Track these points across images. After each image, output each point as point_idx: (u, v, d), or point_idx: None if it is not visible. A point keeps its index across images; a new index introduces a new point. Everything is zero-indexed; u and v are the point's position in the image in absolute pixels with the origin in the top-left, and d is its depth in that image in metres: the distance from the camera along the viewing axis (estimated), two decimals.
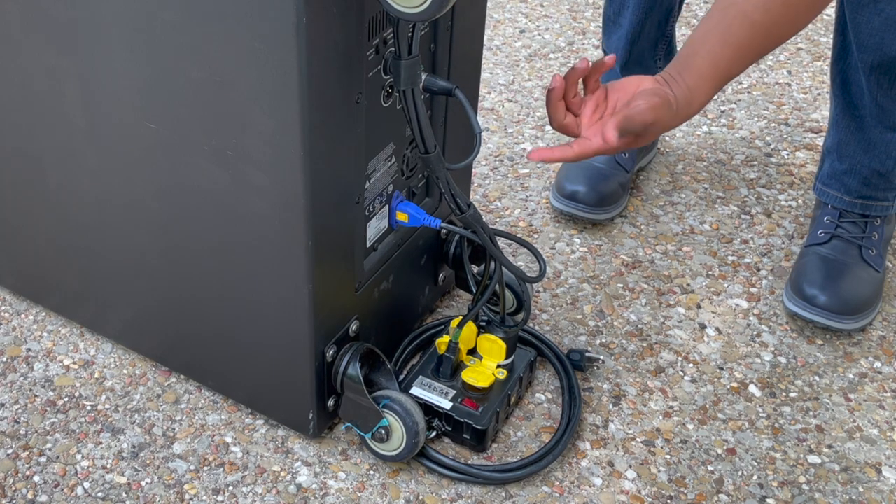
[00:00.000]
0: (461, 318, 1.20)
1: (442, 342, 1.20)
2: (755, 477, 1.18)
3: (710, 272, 1.49)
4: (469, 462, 1.17)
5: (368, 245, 1.13)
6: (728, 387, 1.30)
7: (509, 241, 1.47)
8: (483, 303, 1.17)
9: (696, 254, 1.53)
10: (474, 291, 1.23)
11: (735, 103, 1.92)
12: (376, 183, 1.10)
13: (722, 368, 1.33)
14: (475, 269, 1.28)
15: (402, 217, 1.15)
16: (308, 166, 0.95)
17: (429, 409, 1.17)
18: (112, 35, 1.00)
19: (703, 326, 1.39)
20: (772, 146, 1.79)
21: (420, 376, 1.20)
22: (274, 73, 0.91)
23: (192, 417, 1.22)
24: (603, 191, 1.54)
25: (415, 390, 1.18)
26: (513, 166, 1.71)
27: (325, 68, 0.92)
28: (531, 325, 1.36)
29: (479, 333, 1.22)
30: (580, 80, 1.05)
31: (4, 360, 1.29)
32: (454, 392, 1.18)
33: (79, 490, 1.12)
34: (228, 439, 1.19)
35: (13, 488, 1.12)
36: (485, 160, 1.72)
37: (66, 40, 1.04)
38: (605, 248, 1.53)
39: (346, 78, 0.96)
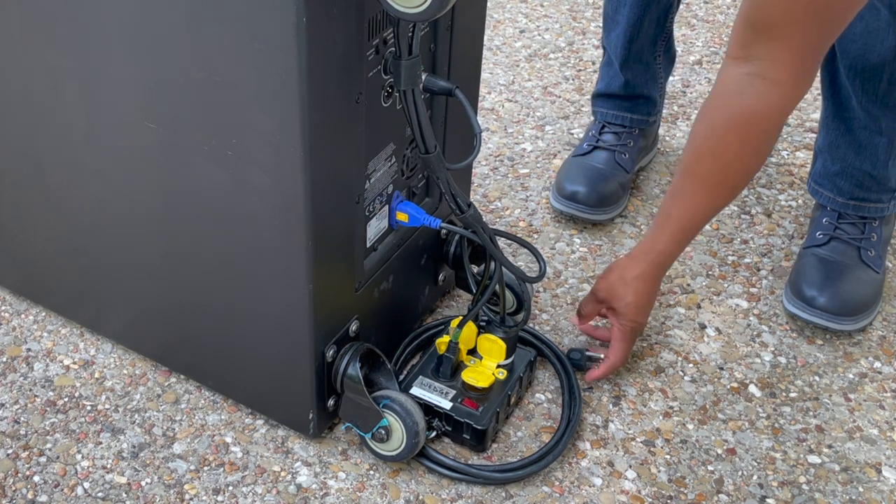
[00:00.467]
0: (461, 318, 1.20)
1: (442, 342, 1.20)
2: (755, 477, 1.18)
3: (710, 272, 1.49)
4: (469, 462, 1.17)
5: (368, 245, 1.13)
6: (728, 387, 1.30)
7: (509, 242, 1.47)
8: (483, 303, 1.17)
9: (696, 254, 1.53)
10: (474, 291, 1.23)
11: None
12: (376, 183, 1.10)
13: (722, 368, 1.33)
14: (475, 268, 1.28)
15: (402, 217, 1.15)
16: (308, 166, 0.95)
17: (429, 409, 1.17)
18: (112, 35, 1.00)
19: (703, 326, 1.39)
20: None
21: (420, 376, 1.20)
22: (274, 73, 0.91)
23: (192, 417, 1.22)
24: (603, 191, 1.54)
25: (415, 390, 1.18)
26: (513, 166, 1.71)
27: (325, 68, 0.92)
28: (531, 324, 1.36)
29: (479, 333, 1.22)
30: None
31: (4, 360, 1.29)
32: (454, 392, 1.18)
33: (79, 490, 1.12)
34: (228, 439, 1.19)
35: (13, 488, 1.12)
36: (485, 160, 1.72)
37: (66, 40, 1.04)
38: (605, 248, 1.53)
39: (346, 78, 0.96)
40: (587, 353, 1.28)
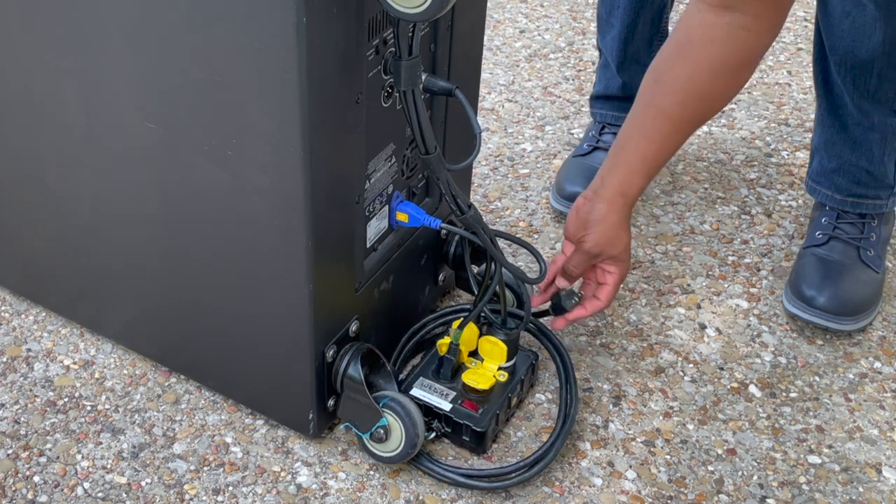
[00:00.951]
0: (461, 319, 1.20)
1: (443, 343, 1.20)
2: (755, 477, 1.18)
3: (710, 272, 1.49)
4: (469, 462, 1.16)
5: (368, 245, 1.13)
6: (728, 387, 1.30)
7: (509, 242, 1.47)
8: (483, 304, 1.17)
9: (697, 254, 1.53)
10: (476, 292, 1.23)
11: (735, 104, 1.92)
12: (376, 183, 1.10)
13: (722, 369, 1.33)
14: (475, 269, 1.28)
15: (402, 217, 1.15)
16: (308, 166, 0.95)
17: (429, 411, 1.17)
18: (112, 35, 1.00)
19: (703, 327, 1.39)
20: (772, 146, 1.79)
21: (421, 377, 1.20)
22: (274, 73, 0.91)
23: (192, 417, 1.22)
24: None
25: (415, 391, 1.18)
26: (513, 166, 1.71)
27: (325, 68, 0.92)
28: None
29: (480, 335, 1.22)
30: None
31: (4, 360, 1.29)
32: (454, 394, 1.18)
33: (79, 490, 1.12)
34: (228, 439, 1.19)
35: (13, 488, 1.12)
36: (485, 160, 1.72)
37: (66, 40, 1.04)
38: None
39: (346, 78, 0.96)
40: (562, 294, 1.24)
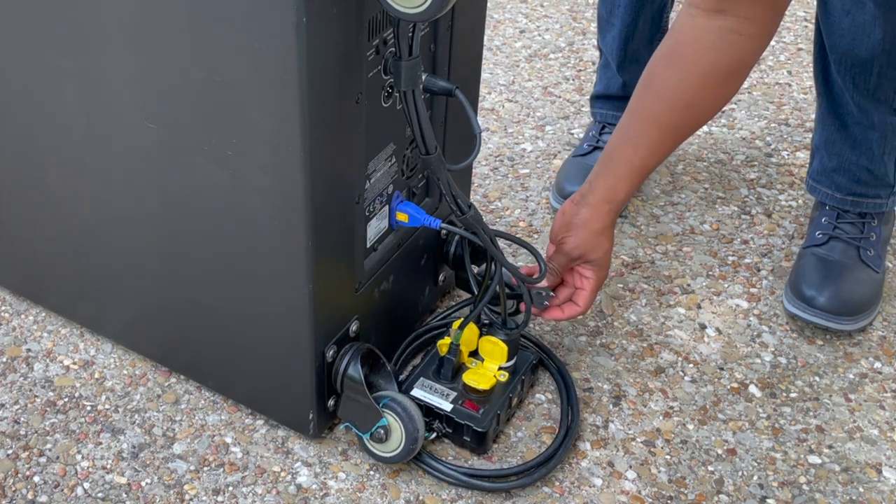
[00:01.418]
0: (462, 319, 1.20)
1: (443, 344, 1.20)
2: (755, 477, 1.18)
3: (710, 272, 1.49)
4: (469, 462, 1.16)
5: (368, 245, 1.13)
6: (728, 387, 1.30)
7: (509, 242, 1.47)
8: (483, 304, 1.17)
9: (697, 254, 1.53)
10: (476, 292, 1.23)
11: (735, 104, 1.92)
12: (376, 183, 1.10)
13: (722, 369, 1.33)
14: (475, 269, 1.28)
15: (402, 217, 1.15)
16: (308, 166, 0.95)
17: (429, 411, 1.16)
18: (112, 35, 1.00)
19: (703, 327, 1.39)
20: (772, 146, 1.79)
21: (421, 378, 1.20)
22: (274, 73, 0.91)
23: (192, 418, 1.22)
24: None
25: (416, 392, 1.18)
26: (513, 166, 1.71)
27: (325, 68, 0.92)
28: (532, 325, 1.36)
29: (480, 335, 1.22)
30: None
31: (4, 360, 1.29)
32: (455, 394, 1.18)
33: (79, 490, 1.12)
34: (228, 439, 1.19)
35: (13, 488, 1.12)
36: (485, 160, 1.72)
37: (66, 40, 1.04)
38: None
39: (346, 78, 0.96)
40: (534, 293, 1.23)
